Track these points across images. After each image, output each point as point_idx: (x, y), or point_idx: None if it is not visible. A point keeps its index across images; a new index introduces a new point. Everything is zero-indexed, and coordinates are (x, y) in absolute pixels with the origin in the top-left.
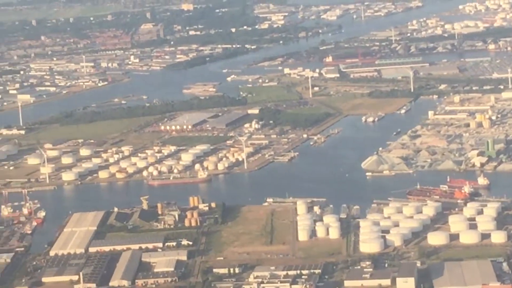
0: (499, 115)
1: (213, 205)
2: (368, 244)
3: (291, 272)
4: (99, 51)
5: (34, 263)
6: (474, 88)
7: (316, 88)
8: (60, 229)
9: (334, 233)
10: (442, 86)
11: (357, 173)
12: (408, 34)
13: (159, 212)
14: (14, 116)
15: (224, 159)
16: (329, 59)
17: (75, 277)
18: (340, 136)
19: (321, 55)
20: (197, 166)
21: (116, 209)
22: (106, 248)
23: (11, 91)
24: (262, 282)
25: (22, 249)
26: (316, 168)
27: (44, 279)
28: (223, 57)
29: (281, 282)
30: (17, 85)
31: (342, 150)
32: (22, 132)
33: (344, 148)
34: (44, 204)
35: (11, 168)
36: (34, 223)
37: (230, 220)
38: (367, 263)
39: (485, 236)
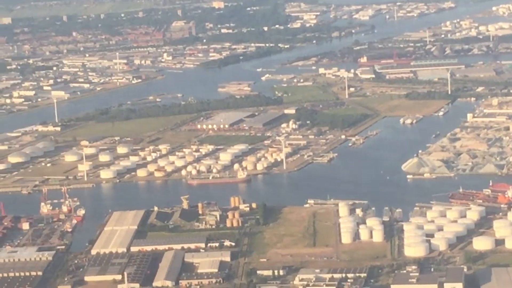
0: None
1: (254, 205)
2: (413, 248)
3: (336, 275)
4: (131, 48)
5: (76, 261)
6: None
7: (352, 89)
8: (101, 228)
9: (378, 236)
10: (480, 89)
11: (398, 175)
12: (442, 36)
13: (200, 212)
14: (49, 112)
15: (262, 159)
16: (363, 59)
17: (118, 277)
18: (378, 138)
19: (356, 56)
20: (236, 166)
21: (156, 208)
22: (148, 248)
23: (45, 87)
24: (308, 285)
25: (63, 247)
26: (356, 170)
27: (86, 278)
28: (256, 56)
29: (327, 285)
30: (51, 81)
31: (381, 152)
32: (58, 128)
33: (383, 150)
34: (83, 202)
35: (48, 165)
36: (74, 221)
37: (272, 221)
38: (413, 267)
39: None
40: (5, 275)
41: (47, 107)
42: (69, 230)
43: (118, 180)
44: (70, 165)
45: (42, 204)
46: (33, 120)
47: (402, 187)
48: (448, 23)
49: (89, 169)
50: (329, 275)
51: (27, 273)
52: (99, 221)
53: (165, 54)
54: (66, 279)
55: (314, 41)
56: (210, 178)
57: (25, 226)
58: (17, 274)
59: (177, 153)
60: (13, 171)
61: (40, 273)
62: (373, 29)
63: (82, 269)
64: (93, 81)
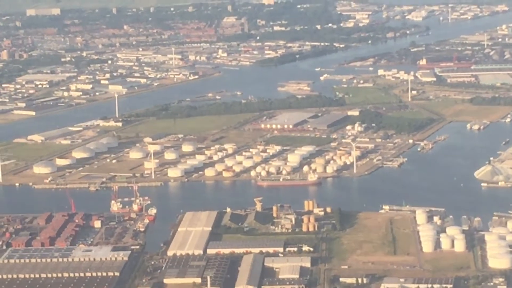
0: None
1: (328, 210)
2: (498, 259)
3: (422, 286)
4: (185, 43)
5: (153, 262)
6: None
7: (414, 92)
8: (174, 228)
9: (460, 246)
10: None
11: (471, 183)
12: (499, 39)
13: (274, 215)
14: (108, 107)
15: (331, 162)
16: (423, 62)
17: (198, 280)
18: (447, 143)
19: (413, 57)
20: (305, 168)
21: (229, 210)
22: (226, 251)
23: (102, 81)
24: None
25: (138, 247)
26: (428, 175)
27: (166, 280)
28: (312, 55)
29: None
30: (107, 75)
31: (451, 158)
32: (119, 124)
33: (454, 156)
34: (152, 201)
35: (114, 161)
36: (146, 221)
37: (349, 227)
38: (500, 279)
39: None
40: (82, 274)
41: (106, 102)
42: (142, 229)
43: (186, 179)
44: (135, 162)
45: (113, 202)
46: (92, 114)
47: (477, 195)
48: (504, 27)
49: (155, 167)
50: (415, 285)
51: (104, 273)
52: (170, 221)
53: (220, 51)
54: (144, 280)
55: (369, 41)
56: (281, 180)
57: (97, 224)
58: (94, 274)
59: (244, 153)
60: (78, 166)
61: (117, 273)
62: (427, 31)
63: (160, 270)
64: (149, 76)
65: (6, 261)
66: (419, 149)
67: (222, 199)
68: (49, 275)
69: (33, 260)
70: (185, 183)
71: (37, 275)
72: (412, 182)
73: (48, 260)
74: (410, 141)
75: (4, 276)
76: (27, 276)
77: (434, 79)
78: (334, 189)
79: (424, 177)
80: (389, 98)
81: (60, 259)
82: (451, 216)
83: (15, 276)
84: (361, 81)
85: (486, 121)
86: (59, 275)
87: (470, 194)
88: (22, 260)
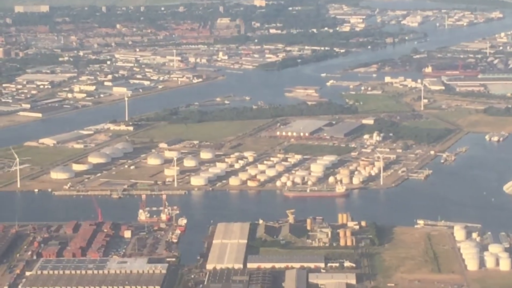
0: None
1: (363, 223)
2: None
3: None
4: (182, 45)
5: (192, 276)
6: None
7: (425, 100)
8: (208, 240)
9: (505, 265)
10: None
11: (502, 197)
12: (500, 47)
13: (308, 227)
14: (115, 110)
15: (356, 173)
16: (428, 69)
17: None
18: (468, 155)
19: (417, 64)
20: (331, 179)
21: (261, 221)
22: (266, 265)
23: (106, 83)
24: None
25: (173, 259)
26: (456, 189)
27: None
28: (313, 59)
29: None
30: (109, 76)
31: (476, 170)
32: (131, 128)
33: (478, 169)
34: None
35: (132, 167)
36: (178, 231)
37: (386, 242)
38: None
39: None
40: None
41: (112, 104)
42: (175, 240)
43: (210, 188)
44: (154, 168)
45: (141, 211)
46: (100, 117)
47: (509, 210)
48: (503, 35)
49: (176, 175)
50: None
51: (144, 287)
52: (200, 231)
53: (220, 53)
54: None
55: (369, 47)
56: (308, 191)
57: (127, 234)
58: (133, 287)
59: (265, 162)
60: (95, 172)
61: (157, 287)
62: (425, 37)
63: (201, 285)
64: (151, 78)
65: (39, 272)
66: (442, 161)
67: (250, 209)
68: None
69: (67, 272)
70: (209, 192)
71: None
72: (440, 195)
73: (83, 272)
74: (432, 152)
75: None
76: None
77: (443, 87)
78: (362, 201)
79: (453, 191)
80: (400, 106)
81: (95, 271)
82: (489, 233)
83: None
84: (369, 88)
85: (504, 132)
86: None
87: (503, 209)
88: (56, 272)
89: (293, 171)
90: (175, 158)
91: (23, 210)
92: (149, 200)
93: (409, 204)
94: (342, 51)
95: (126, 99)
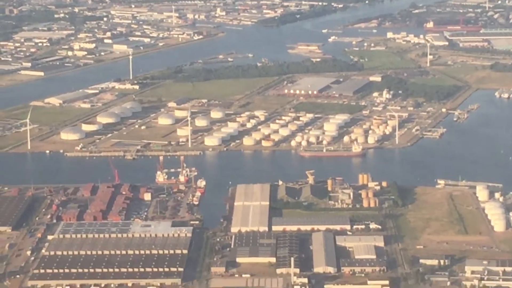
0: None
1: (384, 184)
2: None
3: (508, 269)
4: (178, 0)
5: (218, 239)
6: None
7: (430, 57)
8: (229, 202)
9: None
10: None
11: None
12: (499, 1)
13: (329, 188)
14: (117, 68)
15: (371, 132)
16: (430, 25)
17: (272, 259)
18: (480, 112)
19: (417, 19)
20: (346, 138)
21: (281, 183)
22: (292, 228)
23: (105, 41)
24: (482, 279)
25: (197, 222)
26: (472, 147)
27: (239, 260)
28: (312, 15)
29: (503, 279)
30: (108, 34)
31: (490, 128)
32: (136, 87)
33: (491, 126)
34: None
35: (143, 127)
36: (198, 193)
37: (409, 203)
38: None
39: None
40: (148, 252)
41: (114, 62)
42: (196, 203)
43: (225, 148)
44: (166, 128)
45: (158, 173)
46: (103, 76)
47: None
48: None
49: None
50: (501, 268)
51: (172, 251)
52: (220, 193)
53: (218, 9)
54: (215, 259)
55: (367, 1)
56: (324, 150)
57: (147, 196)
58: (160, 251)
59: (277, 121)
60: (106, 132)
61: (185, 251)
62: None
63: (228, 248)
64: (151, 35)
65: (61, 236)
66: (455, 119)
67: (266, 170)
68: (113, 252)
69: (90, 235)
70: (223, 152)
71: (99, 252)
72: (457, 154)
73: (106, 235)
74: (443, 110)
75: (64, 253)
76: (88, 253)
77: (446, 43)
78: (379, 161)
79: (469, 149)
80: (406, 63)
81: (119, 235)
82: (511, 192)
83: (76, 252)
84: (372, 44)
85: None
86: (123, 252)
87: None
88: (78, 235)
89: (306, 130)
90: (189, 118)
91: (36, 172)
92: (165, 161)
93: (427, 163)
94: (340, 6)
95: (130, 57)
